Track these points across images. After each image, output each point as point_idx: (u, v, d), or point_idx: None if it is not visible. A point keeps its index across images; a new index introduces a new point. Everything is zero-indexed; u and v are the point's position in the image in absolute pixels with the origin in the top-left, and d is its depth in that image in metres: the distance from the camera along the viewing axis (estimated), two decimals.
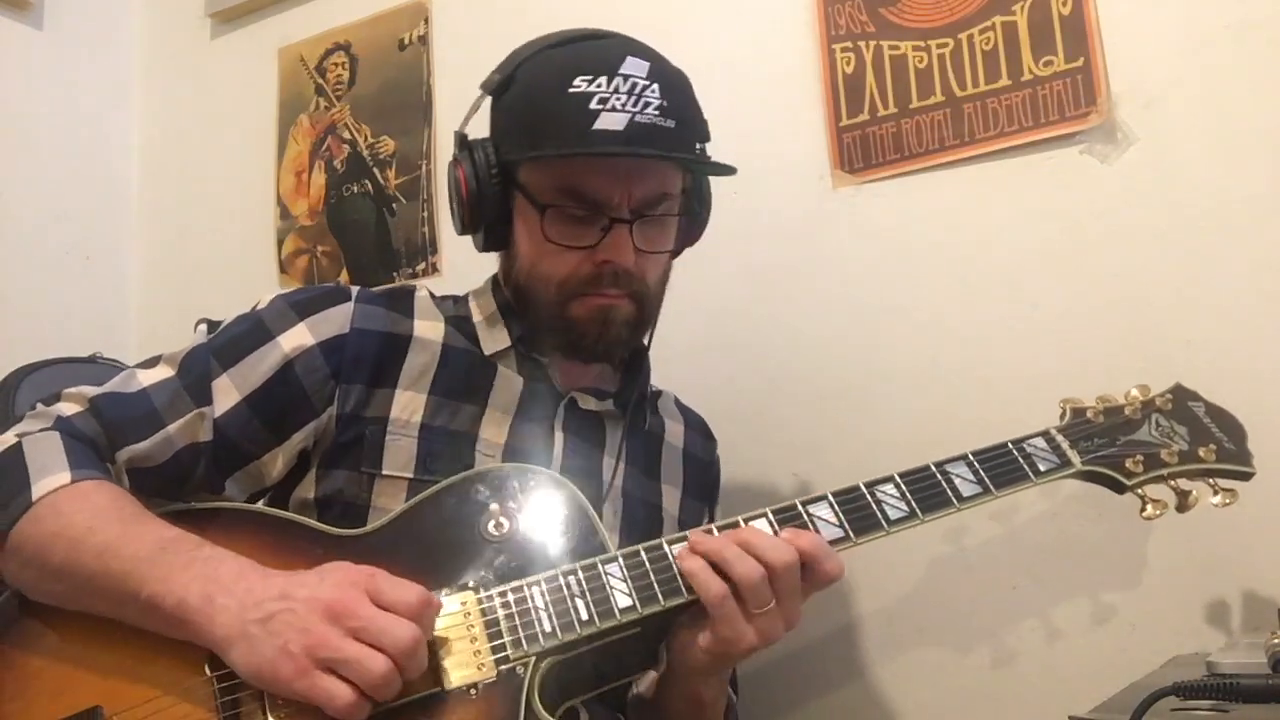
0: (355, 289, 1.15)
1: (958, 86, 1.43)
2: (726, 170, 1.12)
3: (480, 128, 1.15)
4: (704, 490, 1.31)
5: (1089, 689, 0.94)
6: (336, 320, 1.11)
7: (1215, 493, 1.06)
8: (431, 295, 1.21)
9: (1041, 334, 1.35)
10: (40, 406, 1.05)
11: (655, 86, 1.07)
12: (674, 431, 1.30)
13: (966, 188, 1.42)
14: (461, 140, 1.15)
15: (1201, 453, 1.07)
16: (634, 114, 1.04)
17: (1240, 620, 1.20)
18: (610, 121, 1.04)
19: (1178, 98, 1.30)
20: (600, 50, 1.09)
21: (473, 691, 0.91)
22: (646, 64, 1.08)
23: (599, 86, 1.04)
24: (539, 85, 1.09)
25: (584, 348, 1.13)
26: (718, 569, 0.96)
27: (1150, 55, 1.32)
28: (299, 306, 1.12)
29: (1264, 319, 1.24)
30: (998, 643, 1.34)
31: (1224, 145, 1.28)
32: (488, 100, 1.15)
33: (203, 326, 1.13)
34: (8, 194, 1.97)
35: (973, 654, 1.35)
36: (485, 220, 1.13)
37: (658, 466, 1.25)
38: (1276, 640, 0.85)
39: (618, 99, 1.04)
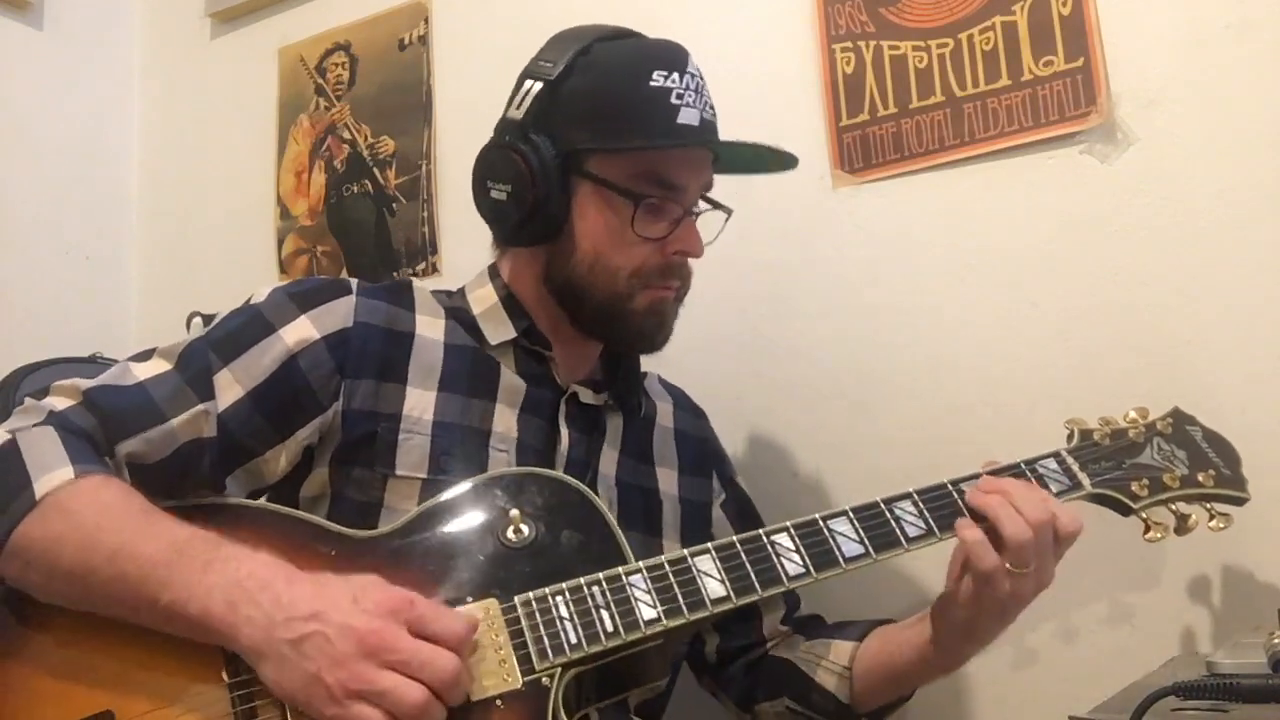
0: (354, 282, 1.13)
1: (958, 86, 1.43)
2: (783, 164, 1.20)
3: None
4: (703, 465, 1.30)
5: (1089, 689, 0.94)
6: (339, 313, 1.08)
7: (1212, 517, 1.09)
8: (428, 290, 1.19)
9: (1041, 333, 1.35)
10: (29, 401, 1.00)
11: (707, 88, 1.13)
12: (664, 412, 1.30)
13: (966, 188, 1.41)
14: (517, 126, 1.10)
15: (1201, 478, 1.10)
16: (702, 110, 1.10)
17: (1240, 620, 1.20)
18: (689, 116, 1.08)
19: (1178, 98, 1.30)
20: (665, 47, 1.13)
21: (499, 702, 0.90)
22: (698, 67, 1.13)
23: (674, 82, 1.09)
24: (615, 77, 1.09)
25: (644, 338, 1.14)
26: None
27: (1150, 55, 1.32)
28: (299, 299, 1.09)
29: (1264, 319, 1.24)
30: (997, 643, 1.33)
31: (1224, 145, 1.27)
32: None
33: (198, 320, 1.11)
34: (8, 194, 1.97)
35: None
36: (546, 211, 1.09)
37: (650, 450, 1.25)
38: (1276, 640, 0.85)
39: (690, 95, 1.09)
